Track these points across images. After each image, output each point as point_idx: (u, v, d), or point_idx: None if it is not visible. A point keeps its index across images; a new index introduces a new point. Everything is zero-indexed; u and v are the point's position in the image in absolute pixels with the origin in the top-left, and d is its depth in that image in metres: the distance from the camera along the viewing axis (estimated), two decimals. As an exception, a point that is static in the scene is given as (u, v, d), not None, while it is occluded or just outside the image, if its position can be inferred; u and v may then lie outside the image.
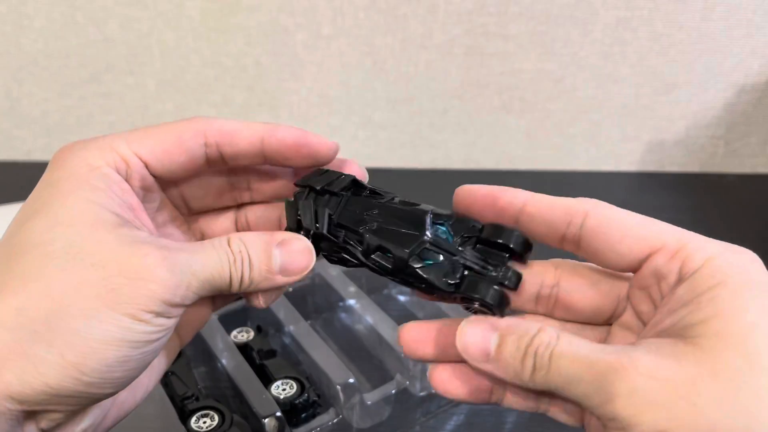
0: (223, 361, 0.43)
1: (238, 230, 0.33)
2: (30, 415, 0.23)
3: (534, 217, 0.27)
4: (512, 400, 0.28)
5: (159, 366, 0.29)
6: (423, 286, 0.28)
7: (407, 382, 0.42)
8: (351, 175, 0.30)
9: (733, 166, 0.74)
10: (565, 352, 0.23)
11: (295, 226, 0.29)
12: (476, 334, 0.25)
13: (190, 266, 0.25)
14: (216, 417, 0.39)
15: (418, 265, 0.27)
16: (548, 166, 0.74)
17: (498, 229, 0.27)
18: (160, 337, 0.25)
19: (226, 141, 0.29)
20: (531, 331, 0.24)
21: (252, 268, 0.27)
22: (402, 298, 0.52)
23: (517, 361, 0.24)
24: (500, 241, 0.27)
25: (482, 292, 0.27)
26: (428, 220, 0.28)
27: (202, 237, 0.33)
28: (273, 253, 0.27)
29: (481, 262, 0.27)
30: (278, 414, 0.38)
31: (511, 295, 0.28)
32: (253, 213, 0.33)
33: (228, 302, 0.33)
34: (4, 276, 0.24)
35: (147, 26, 0.66)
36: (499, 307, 0.27)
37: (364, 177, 0.31)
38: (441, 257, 0.27)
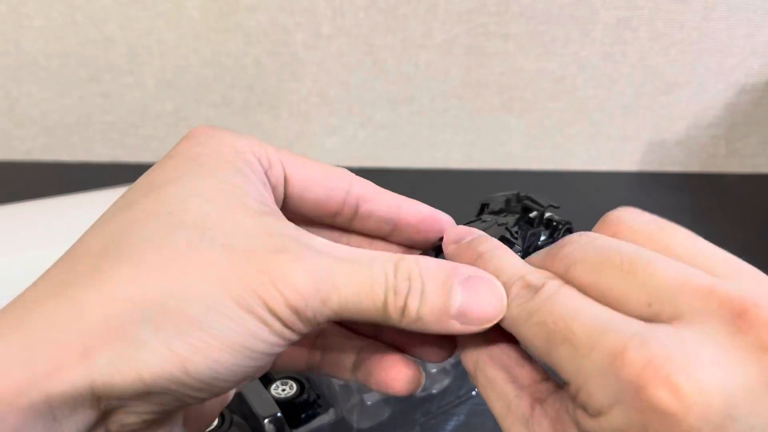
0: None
1: None
2: (103, 416, 0.20)
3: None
4: None
5: (229, 396, 0.26)
6: None
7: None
8: None
9: (734, 166, 0.74)
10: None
11: None
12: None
13: (333, 275, 0.20)
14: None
15: None
16: (548, 166, 0.74)
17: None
18: (277, 353, 0.21)
19: (369, 197, 0.26)
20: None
21: (424, 302, 0.21)
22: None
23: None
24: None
25: None
26: None
27: None
28: (454, 290, 0.21)
29: None
30: (278, 414, 0.38)
31: None
32: None
33: (294, 367, 0.27)
34: (118, 242, 0.20)
35: (147, 26, 0.66)
36: None
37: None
38: None
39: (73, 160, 0.73)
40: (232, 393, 0.27)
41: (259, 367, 0.21)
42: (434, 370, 0.43)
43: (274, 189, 0.24)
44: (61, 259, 0.21)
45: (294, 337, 0.21)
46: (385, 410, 0.42)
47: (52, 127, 0.72)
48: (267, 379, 0.42)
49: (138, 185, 0.22)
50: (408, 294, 0.21)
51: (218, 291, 0.19)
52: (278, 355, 0.21)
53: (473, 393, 0.46)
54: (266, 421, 0.38)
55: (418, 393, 0.43)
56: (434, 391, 0.43)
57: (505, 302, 0.22)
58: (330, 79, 0.69)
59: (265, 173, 0.24)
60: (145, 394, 0.19)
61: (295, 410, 0.40)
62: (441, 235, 0.27)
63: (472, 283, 0.21)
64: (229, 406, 0.39)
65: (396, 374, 0.24)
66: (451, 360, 0.43)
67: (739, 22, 0.65)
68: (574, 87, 0.69)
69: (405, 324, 0.21)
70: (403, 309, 0.21)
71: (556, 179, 0.73)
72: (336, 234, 0.28)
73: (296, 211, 0.26)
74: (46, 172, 0.72)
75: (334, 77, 0.68)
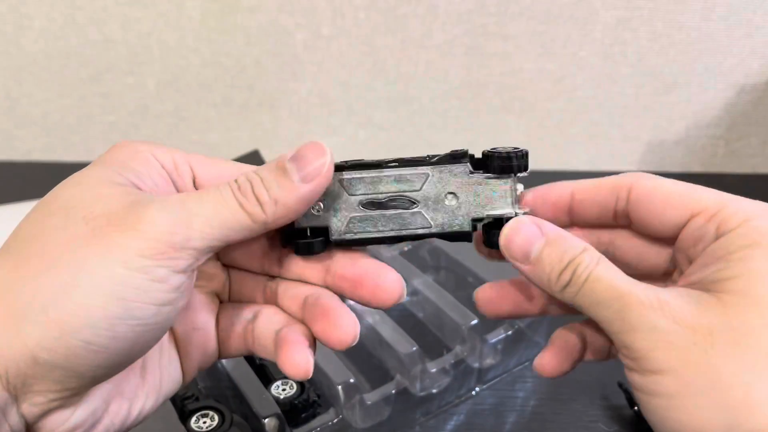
0: (223, 361, 0.43)
1: (265, 295, 0.30)
2: (13, 397, 0.22)
3: (584, 203, 0.29)
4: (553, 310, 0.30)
5: (163, 386, 0.28)
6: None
7: (407, 383, 0.42)
8: None
9: (733, 167, 0.74)
10: (601, 277, 0.25)
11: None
12: (524, 233, 0.26)
13: (185, 204, 0.23)
14: (216, 417, 0.38)
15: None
16: (548, 166, 0.74)
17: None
18: (165, 300, 0.23)
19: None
20: (576, 247, 0.25)
21: (269, 186, 0.24)
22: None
23: (554, 272, 0.25)
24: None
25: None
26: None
27: (231, 280, 0.30)
28: (288, 167, 0.24)
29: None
30: (278, 414, 0.38)
31: None
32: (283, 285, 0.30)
33: (237, 351, 0.30)
34: (12, 244, 0.23)
35: (147, 26, 0.66)
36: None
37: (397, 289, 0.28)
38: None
39: (73, 160, 0.73)
40: (212, 345, 0.29)
41: (144, 319, 0.22)
42: (434, 370, 0.43)
43: (182, 187, 0.27)
44: None
45: (174, 278, 0.22)
46: (385, 410, 0.42)
47: (52, 127, 0.72)
48: (267, 379, 0.42)
49: None
50: (253, 187, 0.24)
51: (83, 254, 0.21)
52: (165, 307, 0.23)
53: (473, 393, 0.46)
54: (266, 420, 0.38)
55: (418, 393, 0.43)
56: (434, 391, 0.43)
57: (326, 149, 0.25)
58: (330, 79, 0.69)
59: (170, 175, 0.26)
60: (36, 367, 0.21)
61: (295, 410, 0.40)
62: None
63: (296, 154, 0.24)
64: (229, 406, 0.40)
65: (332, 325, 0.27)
66: (451, 360, 0.44)
67: (738, 23, 0.65)
68: (574, 87, 0.69)
69: (270, 212, 0.24)
70: (258, 200, 0.24)
71: (556, 179, 0.72)
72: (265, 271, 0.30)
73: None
74: (46, 172, 0.72)
75: (334, 77, 0.69)
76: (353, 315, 0.27)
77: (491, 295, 0.30)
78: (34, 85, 0.69)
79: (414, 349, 0.42)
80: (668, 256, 0.29)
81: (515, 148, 0.28)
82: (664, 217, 0.27)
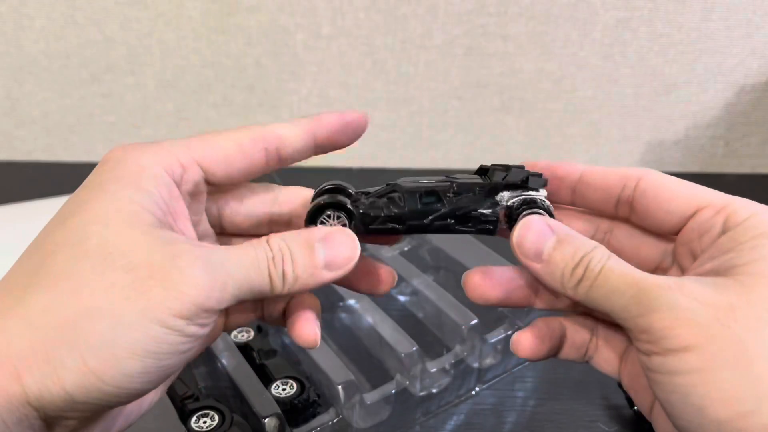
0: (224, 361, 0.43)
1: None
2: (47, 425, 0.23)
3: (590, 185, 0.29)
4: (567, 352, 0.30)
5: (170, 376, 0.29)
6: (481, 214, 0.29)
7: (407, 382, 0.42)
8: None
9: (733, 167, 0.74)
10: (615, 268, 0.25)
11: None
12: (535, 231, 0.27)
13: (225, 266, 0.24)
14: (216, 417, 0.39)
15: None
16: (548, 166, 0.74)
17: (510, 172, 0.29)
18: (188, 348, 0.24)
19: (284, 143, 0.29)
20: (588, 244, 0.26)
21: (295, 264, 0.26)
22: (402, 298, 0.52)
23: (568, 269, 0.26)
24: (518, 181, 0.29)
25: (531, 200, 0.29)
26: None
27: None
28: (316, 248, 0.26)
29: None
30: (278, 413, 0.38)
31: None
32: None
33: (246, 321, 0.32)
34: (37, 274, 0.23)
35: (147, 26, 0.66)
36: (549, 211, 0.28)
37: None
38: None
39: (73, 161, 0.73)
40: (220, 327, 0.30)
41: (174, 366, 0.24)
42: (434, 370, 0.43)
43: (194, 186, 0.28)
44: None
45: (202, 331, 0.24)
46: (385, 409, 0.42)
47: (53, 127, 0.72)
48: (267, 379, 0.42)
49: (53, 218, 0.25)
50: (283, 261, 0.25)
51: (123, 307, 0.22)
52: (191, 351, 0.24)
53: (473, 392, 0.46)
54: (266, 420, 0.38)
55: (418, 393, 0.43)
56: (434, 391, 0.43)
57: (358, 246, 0.27)
58: (330, 79, 0.69)
59: (179, 180, 0.27)
60: (71, 404, 0.22)
61: (295, 410, 0.40)
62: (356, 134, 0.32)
63: (328, 238, 0.27)
64: (229, 406, 0.40)
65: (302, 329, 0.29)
66: (451, 359, 0.44)
67: (738, 23, 0.65)
68: (574, 87, 0.69)
69: (288, 289, 0.26)
70: (283, 275, 0.25)
71: (556, 179, 0.73)
72: (266, 211, 0.31)
73: (225, 192, 0.30)
74: (47, 173, 0.72)
75: (334, 77, 0.69)
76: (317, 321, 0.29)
77: (480, 281, 0.30)
78: (34, 85, 0.69)
79: (414, 348, 0.42)
80: (663, 252, 0.29)
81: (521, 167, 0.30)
82: (671, 207, 0.27)
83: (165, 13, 0.65)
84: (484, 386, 0.46)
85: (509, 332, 0.45)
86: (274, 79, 0.69)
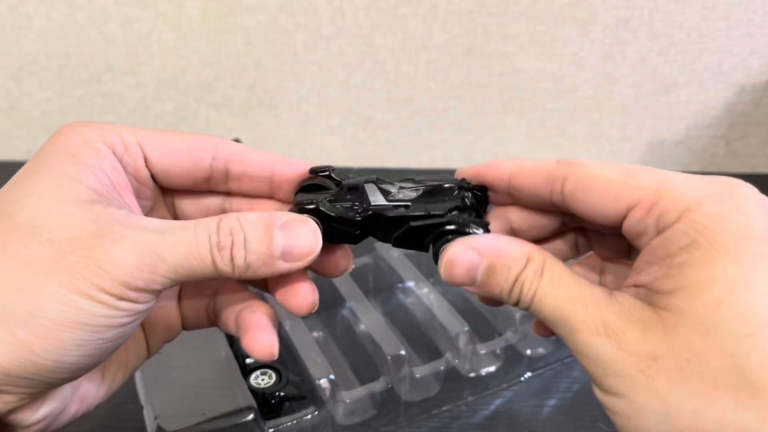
0: (286, 328, 0.45)
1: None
2: None
3: (521, 190, 0.28)
4: None
5: (129, 362, 0.29)
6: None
7: (456, 361, 0.44)
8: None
9: (734, 166, 0.74)
10: (546, 295, 0.24)
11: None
12: (462, 261, 0.25)
13: (155, 247, 0.23)
14: (274, 375, 0.42)
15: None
16: (548, 166, 0.74)
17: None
18: (124, 323, 0.23)
19: (237, 159, 0.28)
20: (519, 260, 0.25)
21: (248, 249, 0.24)
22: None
23: (504, 291, 0.25)
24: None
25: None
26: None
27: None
28: (275, 235, 0.25)
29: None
30: (331, 377, 0.41)
31: None
32: None
33: (201, 325, 0.31)
34: None
35: (147, 26, 0.66)
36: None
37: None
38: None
39: (73, 160, 0.73)
40: (176, 325, 0.30)
41: (110, 338, 0.23)
42: (483, 352, 0.44)
43: (134, 170, 0.27)
44: None
45: (137, 307, 0.23)
46: (434, 385, 0.43)
47: (52, 127, 0.72)
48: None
49: (5, 185, 0.25)
50: (233, 246, 0.24)
51: (48, 281, 0.22)
52: (129, 324, 0.24)
53: (522, 378, 0.47)
54: (320, 381, 0.40)
55: (469, 373, 0.44)
56: (483, 373, 0.45)
57: (319, 236, 0.25)
58: (330, 79, 0.69)
59: (121, 159, 0.26)
60: (6, 377, 0.22)
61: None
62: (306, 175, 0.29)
63: (290, 225, 0.25)
64: (287, 367, 0.43)
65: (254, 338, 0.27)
66: (502, 344, 0.45)
67: (738, 23, 0.65)
68: (574, 87, 0.69)
69: (238, 274, 0.24)
70: (231, 261, 0.24)
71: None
72: (218, 199, 0.30)
73: (167, 184, 0.29)
74: (46, 172, 0.72)
75: (334, 77, 0.68)
76: (312, 284, 0.28)
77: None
78: (34, 85, 0.69)
79: (465, 329, 0.44)
80: (622, 244, 0.28)
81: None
82: (603, 210, 0.25)
83: (165, 13, 0.65)
84: (479, 396, 0.46)
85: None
86: (274, 79, 0.69)
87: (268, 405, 0.41)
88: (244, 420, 0.38)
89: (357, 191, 0.28)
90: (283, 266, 0.25)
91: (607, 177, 0.25)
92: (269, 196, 0.30)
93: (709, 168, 0.74)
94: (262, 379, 0.42)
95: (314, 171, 0.30)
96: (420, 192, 0.29)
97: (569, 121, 0.71)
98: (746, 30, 0.65)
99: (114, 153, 0.26)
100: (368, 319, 0.45)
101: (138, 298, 0.23)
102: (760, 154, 0.73)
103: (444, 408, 0.45)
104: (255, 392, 0.40)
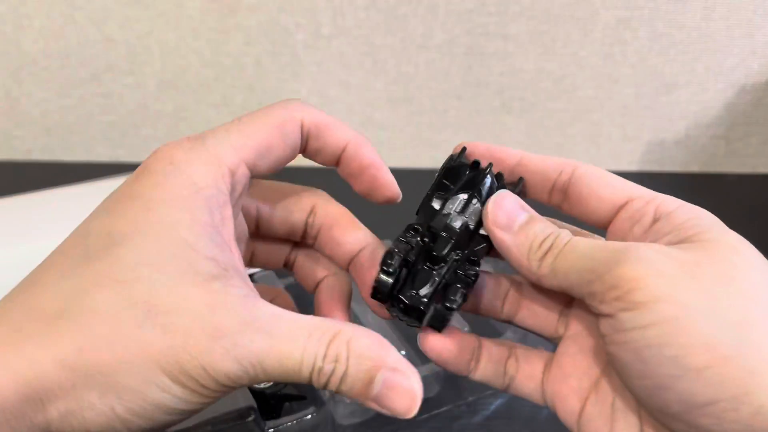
0: None
1: (287, 262, 0.32)
2: None
3: (529, 167, 0.29)
4: (485, 368, 0.29)
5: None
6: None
7: None
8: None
9: (734, 166, 0.74)
10: (581, 241, 0.26)
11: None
12: (511, 203, 0.27)
13: (262, 361, 0.22)
14: None
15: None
16: (548, 166, 0.74)
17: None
18: (210, 403, 0.24)
19: (318, 131, 0.28)
20: (553, 226, 0.27)
21: (345, 382, 0.23)
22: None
23: (537, 241, 0.26)
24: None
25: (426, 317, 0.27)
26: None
27: (252, 258, 0.31)
28: (376, 381, 0.23)
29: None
30: None
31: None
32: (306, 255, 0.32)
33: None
34: (75, 302, 0.22)
35: (147, 26, 0.66)
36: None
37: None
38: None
39: (73, 160, 0.73)
40: None
41: (194, 411, 0.24)
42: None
43: (242, 189, 0.26)
44: (18, 305, 0.23)
45: (221, 395, 0.24)
46: (434, 385, 0.43)
47: (52, 127, 0.72)
48: None
49: (98, 229, 0.23)
50: (332, 374, 0.23)
51: (155, 368, 0.22)
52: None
53: (469, 399, 0.46)
54: None
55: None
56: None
57: (418, 401, 0.23)
58: (330, 79, 0.69)
59: (230, 192, 0.25)
60: None
61: None
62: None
63: (393, 378, 0.23)
64: None
65: None
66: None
67: (738, 23, 0.65)
68: (574, 87, 0.69)
69: (328, 390, 0.24)
70: (326, 384, 0.23)
71: (556, 179, 0.72)
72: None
73: (264, 195, 0.30)
74: (46, 172, 0.72)
75: (334, 77, 0.68)
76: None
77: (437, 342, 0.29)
78: (33, 84, 0.69)
79: (465, 329, 0.43)
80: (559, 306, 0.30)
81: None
82: (604, 195, 0.28)
83: (165, 13, 0.65)
84: (480, 395, 0.46)
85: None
86: (274, 78, 0.69)
87: (268, 405, 0.40)
88: (244, 420, 0.38)
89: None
90: (372, 406, 0.24)
91: (613, 175, 0.29)
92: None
93: (709, 168, 0.74)
94: None
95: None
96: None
97: (569, 121, 0.71)
98: (746, 30, 0.65)
99: (225, 190, 0.25)
100: (368, 319, 0.45)
101: (227, 390, 0.24)
102: (761, 154, 0.73)
103: (444, 408, 0.45)
104: (255, 392, 0.40)
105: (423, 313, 0.27)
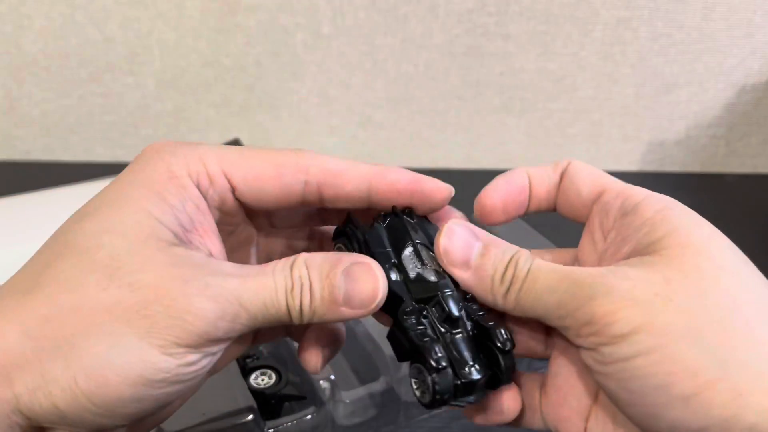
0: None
1: (310, 249, 0.30)
2: (37, 430, 0.22)
3: (534, 178, 0.29)
4: None
5: (176, 404, 0.27)
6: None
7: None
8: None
9: (734, 166, 0.74)
10: (542, 267, 0.24)
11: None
12: (461, 238, 0.26)
13: (239, 296, 0.22)
14: (273, 375, 0.41)
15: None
16: (548, 166, 0.74)
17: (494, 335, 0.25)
18: (192, 377, 0.23)
19: (329, 182, 0.26)
20: (512, 247, 0.25)
21: (313, 297, 0.23)
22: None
23: (498, 274, 0.25)
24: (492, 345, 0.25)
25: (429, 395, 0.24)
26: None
27: (269, 258, 0.29)
28: (338, 280, 0.24)
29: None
30: (331, 377, 0.41)
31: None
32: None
33: (275, 338, 0.30)
34: (42, 275, 0.22)
35: (147, 26, 0.66)
36: (439, 396, 0.24)
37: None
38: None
39: (73, 160, 0.73)
40: (245, 346, 0.28)
41: (175, 391, 0.22)
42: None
43: (220, 203, 0.26)
44: None
45: (205, 361, 0.23)
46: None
47: (52, 127, 0.72)
48: None
49: (80, 209, 0.24)
50: (301, 293, 0.23)
51: (123, 328, 0.21)
52: (199, 375, 0.23)
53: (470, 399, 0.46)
54: (320, 382, 0.40)
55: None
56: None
57: (383, 285, 0.24)
58: (330, 79, 0.69)
59: (206, 194, 0.25)
60: (62, 419, 0.21)
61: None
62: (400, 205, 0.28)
63: (352, 270, 0.24)
64: (286, 366, 0.42)
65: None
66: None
67: (738, 23, 0.65)
68: (574, 87, 0.69)
69: (306, 320, 0.24)
70: (300, 308, 0.23)
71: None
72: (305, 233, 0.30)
73: (255, 208, 0.27)
74: (46, 172, 0.72)
75: (334, 77, 0.68)
76: None
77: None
78: (33, 84, 0.69)
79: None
80: (573, 257, 0.29)
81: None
82: (582, 190, 0.27)
83: (165, 13, 0.65)
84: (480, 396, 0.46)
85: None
86: (274, 78, 0.69)
87: (268, 405, 0.40)
88: (243, 420, 0.38)
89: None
90: (347, 313, 0.24)
91: (594, 170, 0.28)
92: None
93: (709, 168, 0.74)
94: (262, 380, 0.41)
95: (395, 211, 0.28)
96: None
97: (569, 121, 0.71)
98: (746, 30, 0.65)
99: (199, 187, 0.25)
100: (368, 319, 0.45)
101: (212, 350, 0.23)
102: (761, 154, 0.73)
103: (444, 408, 0.45)
104: (255, 392, 0.40)
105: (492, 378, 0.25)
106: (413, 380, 0.25)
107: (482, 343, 0.25)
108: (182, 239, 0.24)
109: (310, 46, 0.67)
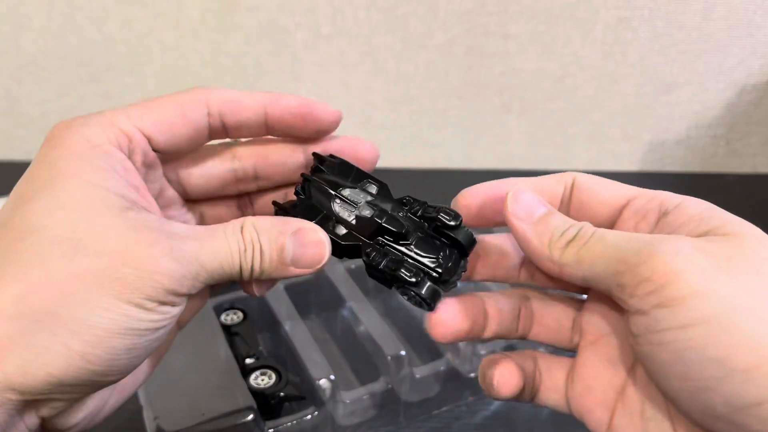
0: (286, 328, 0.45)
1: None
2: (30, 404, 0.23)
3: (535, 189, 0.29)
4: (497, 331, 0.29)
5: (159, 351, 0.29)
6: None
7: (456, 361, 0.44)
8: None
9: (734, 166, 0.74)
10: (608, 232, 0.25)
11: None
12: (527, 198, 0.27)
13: (198, 257, 0.24)
14: (273, 376, 0.42)
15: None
16: (548, 166, 0.74)
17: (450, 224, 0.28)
18: (166, 324, 0.25)
19: (228, 110, 0.29)
20: (573, 221, 0.26)
21: (263, 258, 0.26)
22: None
23: (557, 231, 0.25)
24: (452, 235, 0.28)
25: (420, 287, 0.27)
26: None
27: (202, 221, 0.32)
28: (286, 244, 0.26)
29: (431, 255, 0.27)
30: (331, 377, 0.41)
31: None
32: (261, 200, 0.32)
33: (224, 287, 0.32)
34: (4, 260, 0.23)
35: (147, 26, 0.66)
36: (431, 302, 0.27)
37: (374, 155, 0.34)
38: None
39: (73, 160, 0.73)
40: (205, 298, 0.30)
41: (157, 337, 0.25)
42: (483, 352, 0.44)
43: (143, 160, 0.27)
44: None
45: (176, 309, 0.25)
46: (434, 386, 0.43)
47: (52, 127, 0.72)
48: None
49: (10, 201, 0.25)
50: (252, 255, 0.25)
51: (99, 292, 0.22)
52: (170, 324, 0.25)
53: (469, 400, 0.46)
54: (320, 381, 0.40)
55: (469, 374, 0.44)
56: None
57: (327, 246, 0.27)
58: (330, 79, 0.69)
59: (128, 152, 0.26)
60: (58, 386, 0.22)
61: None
62: (317, 135, 0.31)
63: (299, 235, 0.26)
64: (286, 367, 0.43)
65: None
66: (502, 344, 0.45)
67: (739, 22, 0.65)
68: (574, 87, 0.69)
69: (256, 278, 0.26)
70: (251, 268, 0.26)
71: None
72: (225, 162, 0.31)
73: (178, 157, 0.29)
74: (46, 172, 0.72)
75: (334, 77, 0.68)
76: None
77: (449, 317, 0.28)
78: (33, 84, 0.69)
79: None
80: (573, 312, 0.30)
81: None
82: (606, 198, 0.27)
83: (164, 13, 0.65)
84: (480, 396, 0.46)
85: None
86: (274, 78, 0.69)
87: (267, 405, 0.40)
88: (243, 420, 0.38)
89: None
90: (294, 272, 0.26)
91: (610, 180, 0.28)
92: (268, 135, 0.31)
93: (709, 168, 0.74)
94: (262, 380, 0.41)
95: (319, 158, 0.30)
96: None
97: (569, 121, 0.71)
98: (747, 30, 0.65)
99: (121, 149, 0.26)
100: (368, 319, 0.45)
101: (179, 302, 0.25)
102: (761, 154, 0.73)
103: (444, 408, 0.45)
104: (255, 392, 0.40)
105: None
106: (406, 299, 0.27)
107: (438, 231, 0.28)
108: (130, 200, 0.25)
109: (309, 46, 0.67)
